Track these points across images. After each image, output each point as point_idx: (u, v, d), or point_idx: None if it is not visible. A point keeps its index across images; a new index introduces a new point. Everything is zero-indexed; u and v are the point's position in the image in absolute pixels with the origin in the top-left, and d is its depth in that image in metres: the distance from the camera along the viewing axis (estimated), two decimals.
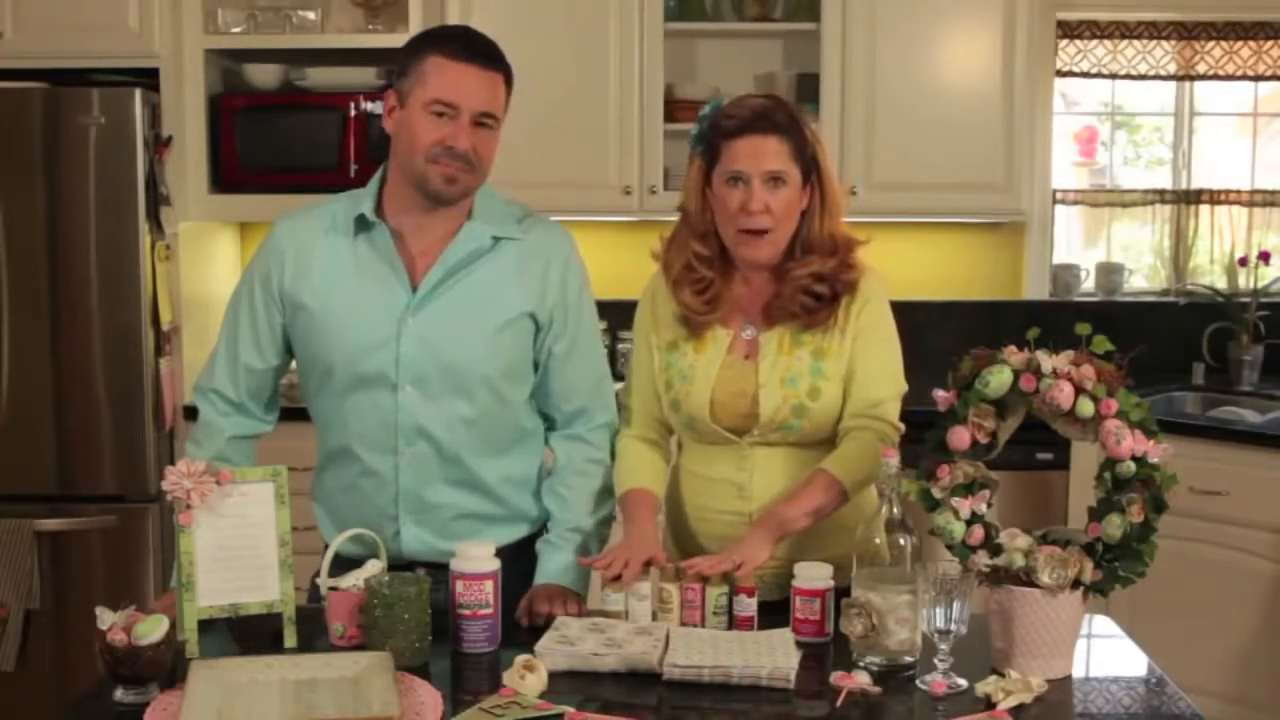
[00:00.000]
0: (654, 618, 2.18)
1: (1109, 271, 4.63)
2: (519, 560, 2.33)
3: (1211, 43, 4.54)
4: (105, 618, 1.92)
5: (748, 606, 2.17)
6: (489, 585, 2.09)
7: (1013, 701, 1.89)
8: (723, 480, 2.35)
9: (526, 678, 1.90)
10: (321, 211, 2.32)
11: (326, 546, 2.23)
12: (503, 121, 2.26)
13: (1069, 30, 4.53)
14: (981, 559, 1.98)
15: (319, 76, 4.14)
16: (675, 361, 2.36)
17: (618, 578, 2.16)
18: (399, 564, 2.25)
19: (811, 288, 2.29)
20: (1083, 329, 2.00)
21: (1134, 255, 4.79)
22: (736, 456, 2.34)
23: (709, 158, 2.31)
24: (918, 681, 1.98)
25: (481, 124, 2.21)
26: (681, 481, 2.43)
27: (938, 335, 4.02)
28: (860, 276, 2.33)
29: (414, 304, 2.24)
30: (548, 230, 2.35)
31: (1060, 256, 4.68)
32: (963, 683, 1.95)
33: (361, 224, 2.27)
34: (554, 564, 2.31)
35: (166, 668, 1.93)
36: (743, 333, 2.35)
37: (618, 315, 4.43)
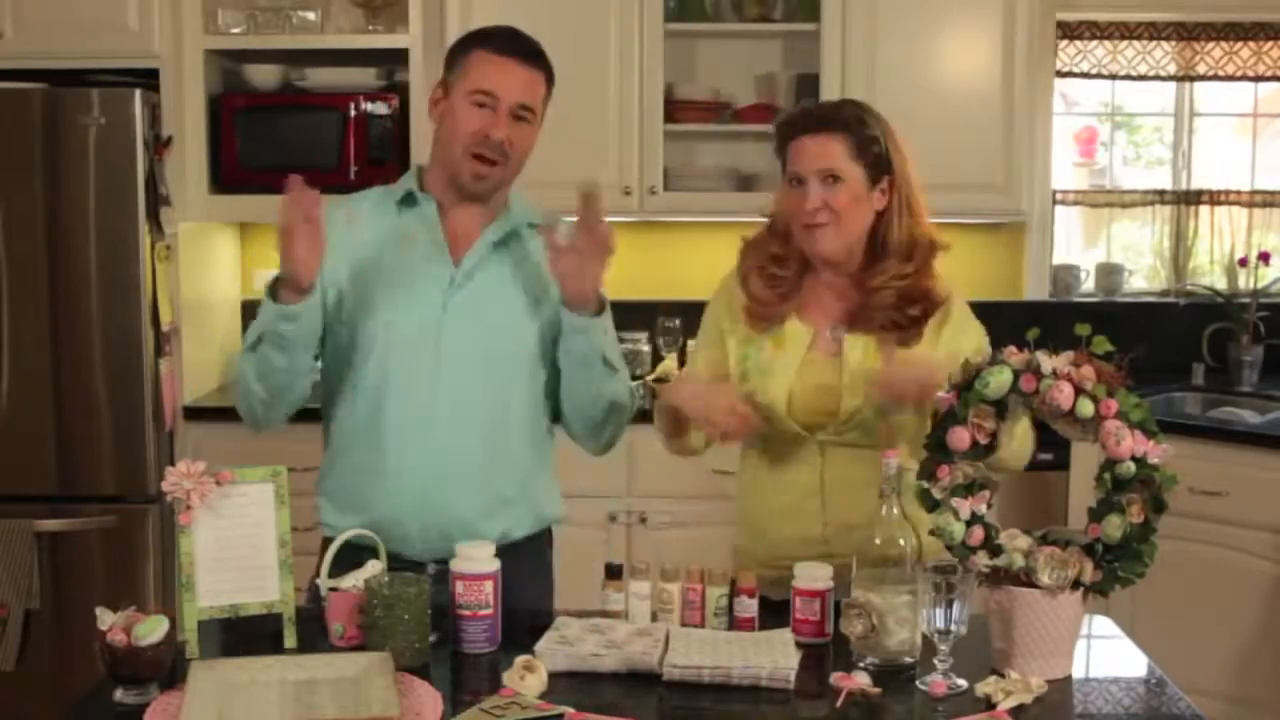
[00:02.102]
0: (654, 618, 2.18)
1: (1109, 272, 4.64)
2: (530, 555, 2.37)
3: (1211, 43, 4.54)
4: (105, 618, 1.92)
5: (748, 607, 2.17)
6: (489, 585, 2.09)
7: (1013, 702, 1.89)
8: (794, 479, 2.34)
9: (526, 678, 1.90)
10: (357, 196, 2.40)
11: (325, 544, 2.24)
12: (541, 120, 2.35)
13: (1069, 31, 4.53)
14: (981, 559, 1.98)
15: (319, 76, 4.15)
16: (753, 354, 2.36)
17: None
18: (406, 561, 2.25)
19: (903, 309, 2.29)
20: (1083, 329, 2.00)
21: (1134, 256, 4.79)
22: (808, 454, 2.33)
23: (782, 162, 2.35)
24: (918, 682, 1.98)
25: (519, 117, 2.29)
26: (750, 485, 2.43)
27: None
28: (946, 293, 2.32)
29: (458, 279, 2.29)
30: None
31: (1060, 257, 4.69)
32: (963, 683, 1.95)
33: (408, 200, 2.33)
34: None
35: (166, 668, 1.93)
36: (827, 331, 2.34)
37: (618, 315, 4.40)
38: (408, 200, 2.34)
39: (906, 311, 2.30)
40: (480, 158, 2.27)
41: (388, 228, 2.33)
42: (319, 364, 2.38)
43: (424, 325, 2.28)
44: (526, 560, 2.37)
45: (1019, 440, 2.25)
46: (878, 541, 2.05)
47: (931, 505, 2.02)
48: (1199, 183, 4.69)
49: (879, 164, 2.29)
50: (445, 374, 2.28)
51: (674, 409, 2.31)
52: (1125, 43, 4.55)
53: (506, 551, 2.23)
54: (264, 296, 2.21)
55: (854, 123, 2.29)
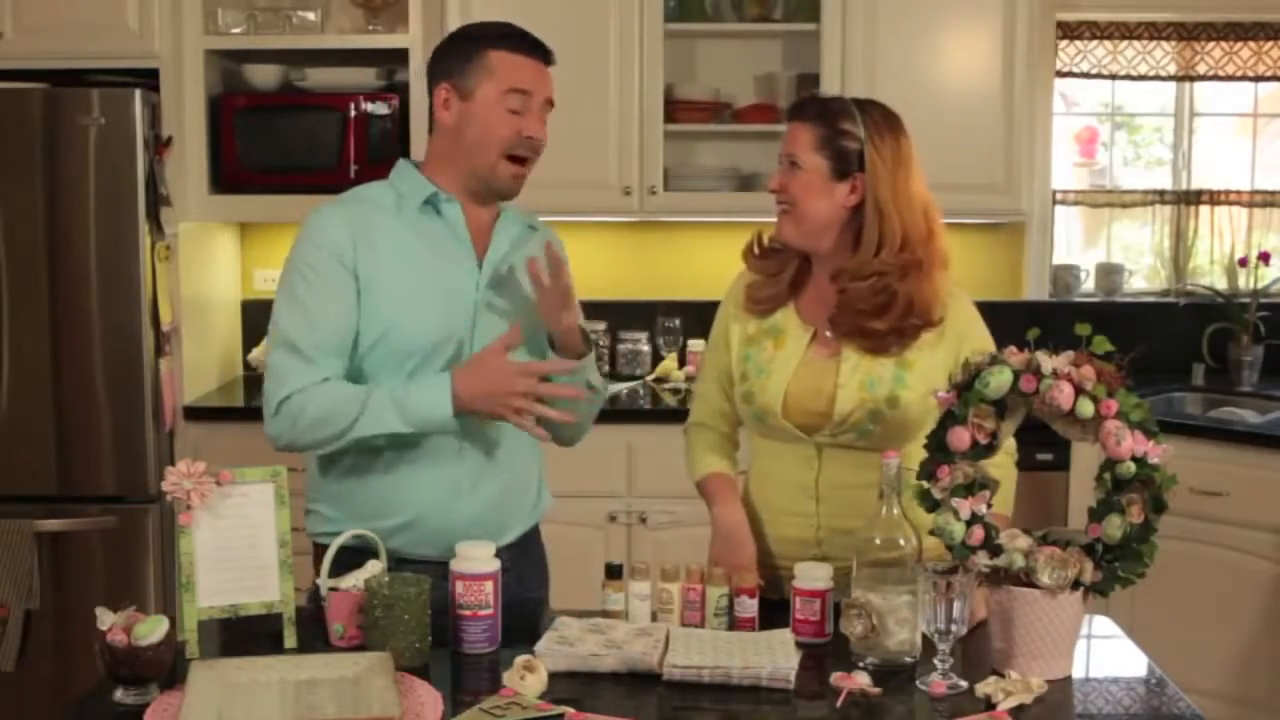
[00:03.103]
0: (654, 618, 2.18)
1: (1109, 272, 4.64)
2: (536, 546, 2.44)
3: (1211, 43, 4.54)
4: (105, 618, 1.91)
5: (749, 607, 2.17)
6: (489, 585, 2.09)
7: (1013, 702, 1.89)
8: (791, 480, 2.35)
9: (526, 678, 1.90)
10: (361, 197, 2.35)
11: (317, 550, 2.25)
12: None
13: (1069, 31, 4.53)
14: (981, 559, 1.98)
15: (319, 77, 4.15)
16: (754, 354, 2.37)
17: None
18: (427, 562, 2.26)
19: (870, 319, 2.27)
20: (1083, 329, 2.00)
21: (1134, 256, 4.79)
22: (805, 456, 2.33)
23: None
24: (918, 682, 1.98)
25: (543, 115, 2.32)
26: (751, 482, 2.44)
27: None
28: (937, 317, 2.30)
29: (481, 282, 2.31)
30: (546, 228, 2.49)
31: (1060, 257, 4.69)
32: (963, 683, 1.95)
33: (431, 202, 2.31)
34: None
35: (166, 668, 1.93)
36: (826, 331, 2.34)
37: (618, 315, 4.44)
38: (433, 202, 2.32)
39: (871, 323, 2.27)
40: (514, 158, 2.29)
41: (412, 232, 2.30)
42: None
43: (456, 329, 2.28)
44: (534, 551, 2.44)
45: (1007, 484, 2.29)
46: (878, 541, 2.05)
47: (931, 505, 2.02)
48: (1199, 183, 4.69)
49: (846, 159, 2.27)
50: None
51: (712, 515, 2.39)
52: (1125, 43, 4.55)
53: (518, 546, 2.31)
54: (430, 406, 2.19)
55: (831, 115, 2.28)
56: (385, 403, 2.20)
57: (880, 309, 2.27)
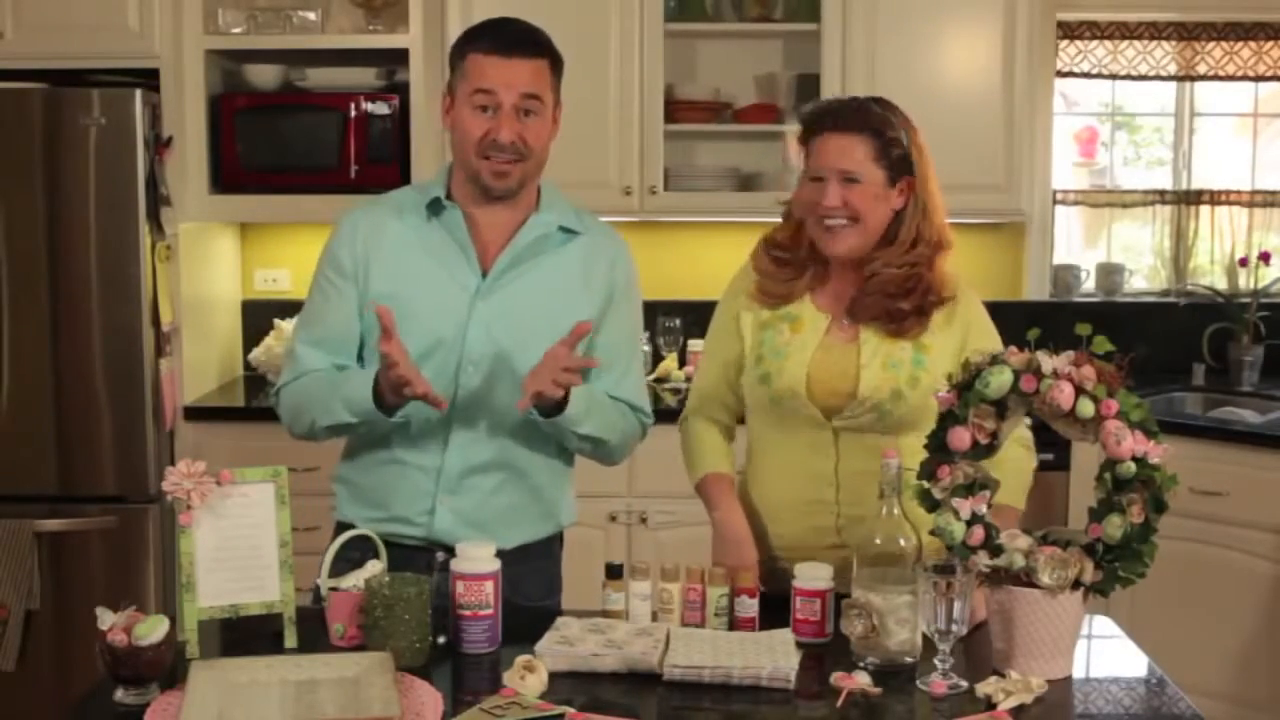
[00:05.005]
0: (654, 618, 2.18)
1: (1109, 272, 4.64)
2: (542, 557, 2.39)
3: (1212, 43, 4.54)
4: (105, 618, 1.92)
5: (749, 607, 2.17)
6: (489, 586, 2.09)
7: (1013, 702, 1.89)
8: (808, 469, 2.34)
9: (526, 678, 1.91)
10: (387, 199, 2.40)
11: (338, 529, 2.26)
12: (554, 106, 2.31)
13: (1069, 31, 4.53)
14: (981, 559, 1.98)
15: (319, 76, 4.15)
16: (770, 339, 2.36)
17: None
18: (424, 548, 2.29)
19: (896, 300, 2.28)
20: (1083, 329, 2.00)
21: (1134, 256, 4.79)
22: (822, 443, 2.33)
23: (805, 155, 2.35)
24: (918, 682, 1.98)
25: (527, 111, 2.25)
26: (761, 477, 2.42)
27: None
28: (951, 293, 2.32)
29: (484, 288, 2.28)
30: (607, 229, 2.43)
31: (1060, 257, 4.69)
32: (963, 683, 1.95)
33: (435, 207, 2.32)
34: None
35: (166, 668, 1.93)
36: (844, 320, 2.34)
37: None
38: (434, 207, 2.32)
39: (898, 303, 2.29)
40: (493, 159, 2.25)
41: (416, 236, 2.32)
42: None
43: (447, 333, 2.27)
44: (538, 561, 2.39)
45: (1020, 477, 2.29)
46: (878, 541, 2.05)
47: (932, 505, 2.02)
48: (1199, 183, 4.69)
49: (900, 165, 2.29)
50: (465, 379, 2.27)
51: (713, 521, 2.37)
52: (1125, 43, 4.55)
53: (518, 552, 2.28)
54: (361, 397, 2.20)
55: (879, 124, 2.28)
56: (333, 395, 2.26)
57: (906, 292, 2.30)
